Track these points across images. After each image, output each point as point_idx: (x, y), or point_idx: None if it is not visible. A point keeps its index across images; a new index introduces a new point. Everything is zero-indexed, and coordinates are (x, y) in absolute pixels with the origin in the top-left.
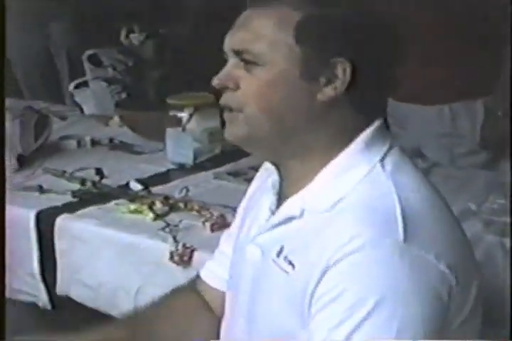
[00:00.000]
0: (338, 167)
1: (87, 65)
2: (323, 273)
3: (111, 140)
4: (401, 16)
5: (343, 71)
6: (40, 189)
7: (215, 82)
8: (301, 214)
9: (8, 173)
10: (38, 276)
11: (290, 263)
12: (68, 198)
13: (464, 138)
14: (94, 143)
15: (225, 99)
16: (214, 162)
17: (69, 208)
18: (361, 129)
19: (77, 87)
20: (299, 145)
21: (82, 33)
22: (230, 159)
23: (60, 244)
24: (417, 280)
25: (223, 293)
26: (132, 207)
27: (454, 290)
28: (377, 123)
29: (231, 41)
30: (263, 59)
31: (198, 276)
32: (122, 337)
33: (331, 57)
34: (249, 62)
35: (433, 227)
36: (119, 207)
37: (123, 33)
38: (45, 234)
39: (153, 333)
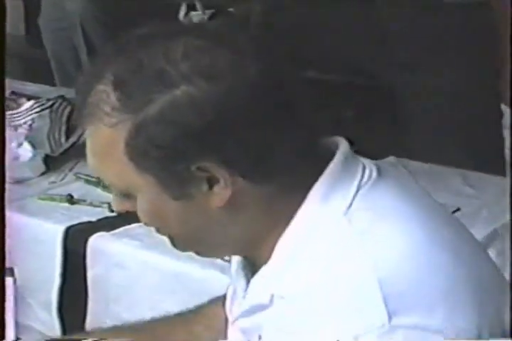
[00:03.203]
0: (293, 237)
1: None
2: None
3: None
4: None
5: (218, 172)
6: (71, 199)
7: (116, 209)
8: (271, 301)
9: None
10: (55, 311)
11: None
12: (105, 212)
13: None
14: None
15: None
16: None
17: (105, 225)
18: (303, 189)
19: None
20: (233, 245)
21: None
22: None
23: (93, 270)
24: None
25: None
26: None
27: None
28: (331, 168)
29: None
30: (126, 191)
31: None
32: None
33: (188, 168)
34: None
35: (419, 287)
36: None
37: (182, 10)
38: (73, 256)
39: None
